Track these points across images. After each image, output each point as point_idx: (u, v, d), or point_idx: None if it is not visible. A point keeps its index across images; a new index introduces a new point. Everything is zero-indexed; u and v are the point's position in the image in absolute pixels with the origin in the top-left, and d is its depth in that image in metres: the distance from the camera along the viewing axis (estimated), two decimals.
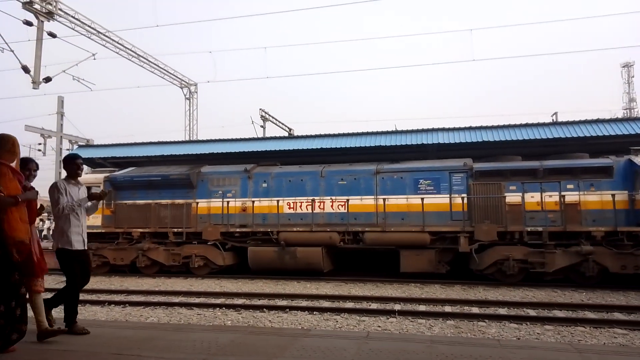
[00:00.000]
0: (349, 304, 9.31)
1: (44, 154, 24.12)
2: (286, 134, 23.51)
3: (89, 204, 4.72)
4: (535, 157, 12.98)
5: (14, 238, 3.59)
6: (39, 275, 4.17)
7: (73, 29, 17.31)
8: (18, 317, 3.62)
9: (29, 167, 4.38)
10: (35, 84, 15.08)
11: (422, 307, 8.88)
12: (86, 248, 4.70)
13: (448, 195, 12.52)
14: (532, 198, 11.83)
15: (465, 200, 12.14)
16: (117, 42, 19.39)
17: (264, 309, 8.75)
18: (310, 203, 13.36)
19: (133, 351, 3.76)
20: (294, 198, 13.65)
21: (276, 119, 24.28)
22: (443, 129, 15.76)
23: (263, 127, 23.00)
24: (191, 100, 24.57)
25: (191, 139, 23.43)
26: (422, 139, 15.55)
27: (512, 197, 11.95)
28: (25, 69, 14.78)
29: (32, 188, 4.05)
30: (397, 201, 12.85)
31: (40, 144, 24.08)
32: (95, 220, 14.57)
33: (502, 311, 8.45)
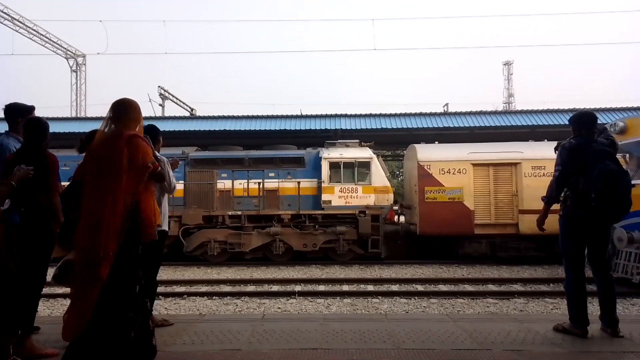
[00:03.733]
0: (251, 288, 9.27)
1: None
2: (187, 114, 22.47)
3: None
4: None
5: (153, 223, 2.92)
6: None
7: None
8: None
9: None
10: None
11: (321, 287, 9.15)
12: None
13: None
14: (240, 185, 13.16)
15: (182, 187, 13.21)
16: None
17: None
18: None
19: None
20: None
21: (177, 98, 23.03)
22: (345, 115, 16.25)
23: (162, 105, 21.67)
24: (78, 73, 22.25)
25: (79, 115, 21.34)
26: (327, 124, 15.91)
27: (223, 184, 13.24)
28: None
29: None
30: None
31: None
32: None
33: (394, 288, 9.04)
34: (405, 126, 15.54)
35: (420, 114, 16.08)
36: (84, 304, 2.71)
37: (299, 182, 12.80)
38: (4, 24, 17.95)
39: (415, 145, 13.28)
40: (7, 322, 2.88)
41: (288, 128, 16.03)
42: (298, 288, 8.96)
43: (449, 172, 12.47)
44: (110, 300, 2.74)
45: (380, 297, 8.18)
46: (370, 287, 9.08)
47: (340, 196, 12.95)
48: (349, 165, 13.10)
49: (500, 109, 38.36)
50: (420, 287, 9.07)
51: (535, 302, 7.80)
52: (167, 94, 22.09)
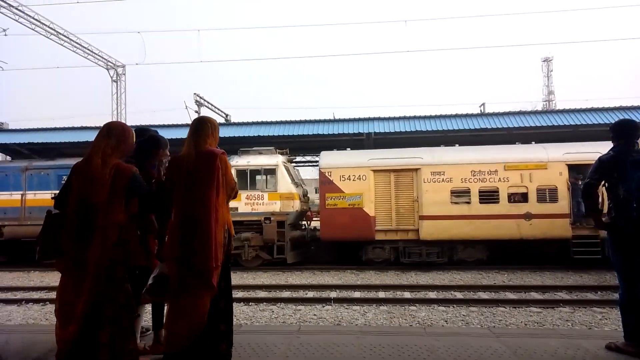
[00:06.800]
0: (286, 293, 9.30)
1: None
2: (222, 120, 22.85)
3: None
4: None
5: (231, 232, 3.04)
6: None
7: None
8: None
9: (157, 150, 3.71)
10: None
11: (357, 294, 9.06)
12: None
13: None
14: None
15: None
16: (33, 18, 17.67)
17: None
18: None
19: None
20: None
21: (212, 104, 23.51)
22: (379, 118, 16.08)
23: (198, 112, 22.16)
24: (118, 83, 23.10)
25: None
26: (360, 128, 15.80)
27: None
28: None
29: None
30: (42, 196, 13.79)
31: None
32: None
33: (432, 295, 8.84)
34: (440, 128, 15.22)
35: (456, 115, 15.70)
36: (197, 315, 2.77)
37: None
38: (51, 39, 18.90)
39: (323, 152, 13.51)
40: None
41: (321, 132, 16.02)
42: (333, 294, 8.92)
43: (349, 179, 12.57)
44: (211, 311, 2.82)
45: (417, 304, 8.02)
46: (407, 294, 8.92)
47: (247, 203, 12.96)
48: (256, 173, 13.24)
49: (539, 107, 37.12)
50: (459, 295, 8.83)
51: (582, 312, 7.44)
52: (202, 101, 22.59)
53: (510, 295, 8.71)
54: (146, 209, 2.98)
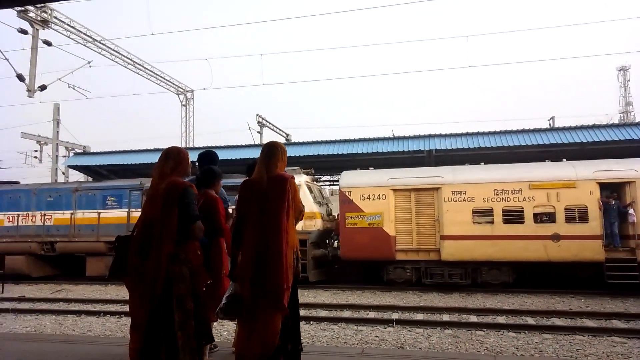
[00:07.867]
0: (347, 313, 9.23)
1: (40, 161, 24.11)
2: (284, 140, 23.47)
3: None
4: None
5: (299, 254, 3.12)
6: None
7: (68, 37, 17.26)
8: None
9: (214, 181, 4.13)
10: (31, 92, 15.02)
11: (420, 316, 8.80)
12: None
13: (126, 210, 14.42)
14: None
15: (137, 214, 13.67)
16: (113, 50, 19.33)
17: None
18: (24, 217, 15.36)
19: None
20: (12, 212, 15.43)
21: (273, 125, 24.25)
22: (440, 135, 15.77)
23: (260, 133, 22.96)
24: (187, 107, 24.49)
25: (187, 145, 23.36)
26: (420, 145, 15.57)
27: None
28: (20, 77, 14.69)
29: None
30: (89, 215, 14.75)
31: (36, 150, 24.09)
32: None
33: (501, 319, 8.38)
34: (505, 144, 14.62)
35: (523, 131, 15.02)
36: (270, 334, 2.84)
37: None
38: (128, 68, 20.53)
39: (344, 172, 13.41)
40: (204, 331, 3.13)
41: (380, 150, 15.97)
42: (395, 316, 8.73)
43: (369, 198, 12.46)
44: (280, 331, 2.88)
45: (485, 329, 7.64)
46: (474, 318, 8.53)
47: None
48: None
49: (616, 119, 34.65)
50: (530, 320, 8.31)
51: None
52: (264, 122, 23.38)
53: (589, 323, 8.07)
54: (190, 227, 3.03)
